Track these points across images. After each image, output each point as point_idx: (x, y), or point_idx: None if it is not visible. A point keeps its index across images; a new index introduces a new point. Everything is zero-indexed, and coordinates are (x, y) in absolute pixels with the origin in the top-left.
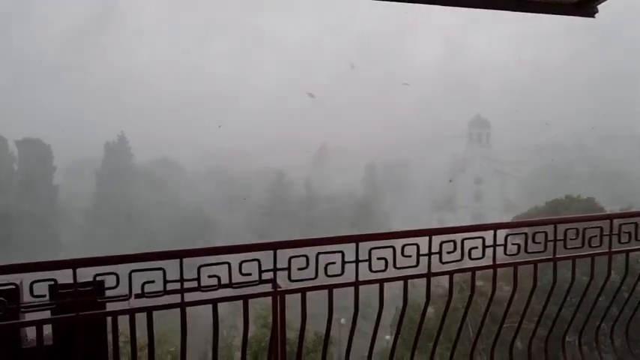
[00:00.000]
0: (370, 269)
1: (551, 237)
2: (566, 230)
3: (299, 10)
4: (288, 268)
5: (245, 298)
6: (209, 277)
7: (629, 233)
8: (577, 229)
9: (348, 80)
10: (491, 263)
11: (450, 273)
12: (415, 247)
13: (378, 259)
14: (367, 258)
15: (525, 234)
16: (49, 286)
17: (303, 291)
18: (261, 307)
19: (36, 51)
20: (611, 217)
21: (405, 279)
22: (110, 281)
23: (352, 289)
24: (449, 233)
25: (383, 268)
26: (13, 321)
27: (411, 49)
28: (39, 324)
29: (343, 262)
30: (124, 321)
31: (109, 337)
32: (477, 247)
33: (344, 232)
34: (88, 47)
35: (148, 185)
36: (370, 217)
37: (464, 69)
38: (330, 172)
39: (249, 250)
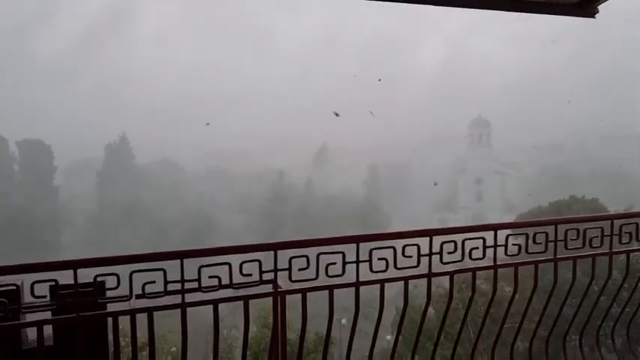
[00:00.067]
0: (371, 270)
1: (552, 237)
2: (567, 231)
3: (299, 10)
4: (289, 269)
5: (246, 299)
6: (210, 277)
7: (630, 233)
8: (578, 230)
9: (348, 80)
10: (492, 264)
11: (451, 273)
12: (416, 247)
13: (379, 259)
14: (368, 258)
15: (526, 234)
16: (50, 286)
17: (303, 291)
18: (262, 307)
19: (36, 52)
20: (611, 218)
21: (406, 279)
22: (111, 282)
23: (353, 289)
24: (450, 234)
25: (384, 268)
26: (14, 322)
27: (411, 51)
28: (40, 324)
29: (344, 263)
30: (124, 322)
31: (110, 337)
32: (477, 248)
33: (345, 233)
34: (88, 49)
35: (149, 185)
36: (371, 217)
37: (464, 69)
38: (331, 172)
39: (250, 251)
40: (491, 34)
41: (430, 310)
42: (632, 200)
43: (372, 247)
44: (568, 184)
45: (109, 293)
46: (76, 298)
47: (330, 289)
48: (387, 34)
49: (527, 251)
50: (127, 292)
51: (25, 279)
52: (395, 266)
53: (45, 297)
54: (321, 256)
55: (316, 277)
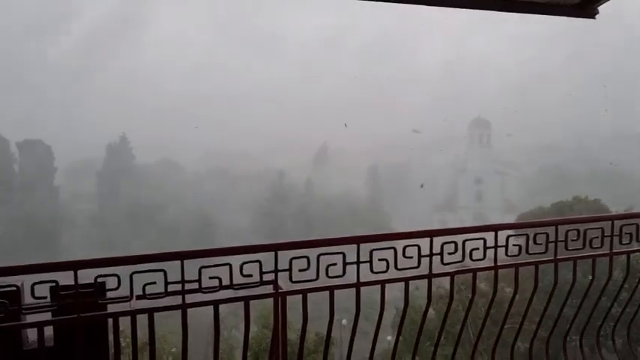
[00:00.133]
0: (371, 270)
1: (552, 238)
2: (568, 231)
3: (300, 11)
4: (290, 270)
5: (246, 300)
6: (210, 278)
7: (630, 234)
8: (578, 231)
9: (348, 81)
10: (493, 264)
11: (451, 274)
12: (416, 248)
13: (380, 260)
14: (368, 259)
15: (527, 235)
16: (51, 287)
17: (304, 292)
18: (263, 307)
19: (37, 53)
20: (612, 219)
21: (407, 280)
22: (111, 283)
23: (354, 290)
24: (450, 234)
25: (384, 269)
26: (14, 322)
27: (411, 51)
28: (40, 325)
29: (344, 264)
30: (125, 322)
31: (110, 338)
32: (478, 249)
33: (345, 233)
34: (89, 49)
35: (149, 186)
36: (371, 217)
37: (464, 70)
38: (331, 172)
39: (251, 252)
40: (490, 35)
41: (430, 310)
42: (633, 201)
43: (373, 247)
44: (567, 185)
45: (109, 294)
46: (76, 299)
47: (331, 289)
48: (387, 35)
49: (527, 252)
50: (128, 293)
51: (26, 280)
52: (395, 267)
53: (45, 298)
54: (322, 257)
55: (317, 278)
